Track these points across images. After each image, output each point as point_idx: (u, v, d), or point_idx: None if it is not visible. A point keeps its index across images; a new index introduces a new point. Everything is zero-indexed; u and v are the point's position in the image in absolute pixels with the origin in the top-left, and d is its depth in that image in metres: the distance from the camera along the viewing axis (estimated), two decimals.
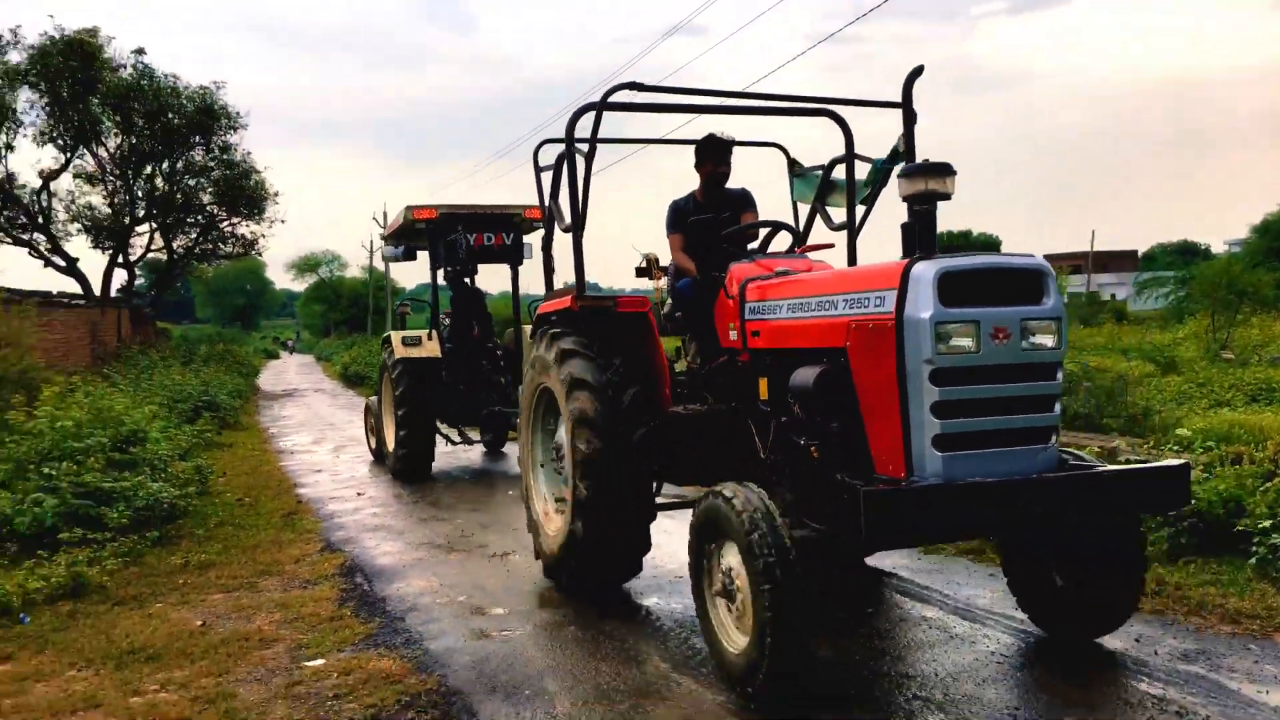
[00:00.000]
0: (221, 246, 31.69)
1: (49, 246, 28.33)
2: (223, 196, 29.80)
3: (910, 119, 5.21)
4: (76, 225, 28.95)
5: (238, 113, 28.97)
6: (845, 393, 4.35)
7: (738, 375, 5.45)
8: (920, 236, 4.14)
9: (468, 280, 11.96)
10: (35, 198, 28.06)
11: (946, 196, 4.12)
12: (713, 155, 6.23)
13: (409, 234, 11.88)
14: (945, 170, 4.08)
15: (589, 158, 5.64)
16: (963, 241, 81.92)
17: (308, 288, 79.25)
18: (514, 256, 11.38)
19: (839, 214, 6.06)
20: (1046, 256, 4.42)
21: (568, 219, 5.83)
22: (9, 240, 28.06)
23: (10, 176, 27.21)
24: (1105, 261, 74.14)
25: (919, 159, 4.37)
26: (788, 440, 4.77)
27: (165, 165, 29.24)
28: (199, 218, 30.60)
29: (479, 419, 11.40)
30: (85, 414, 8.86)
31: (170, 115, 27.65)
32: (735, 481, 4.29)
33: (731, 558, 4.19)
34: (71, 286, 27.89)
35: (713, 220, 6.08)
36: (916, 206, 4.14)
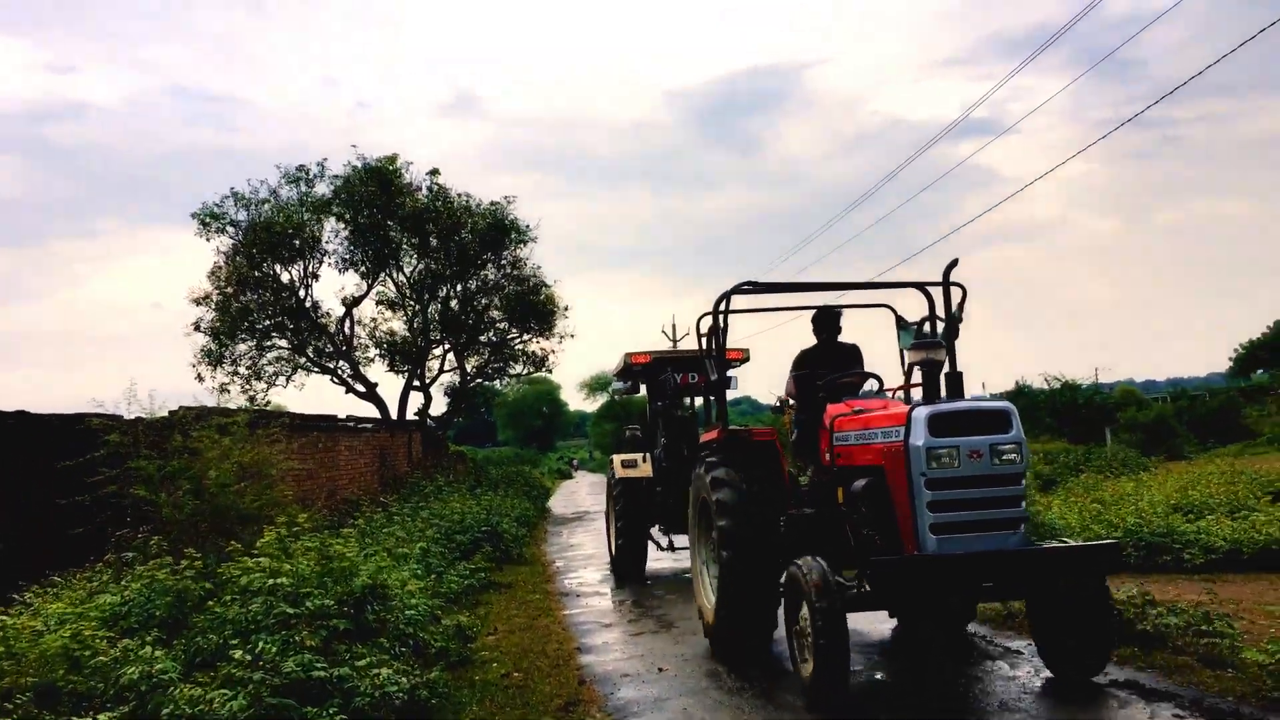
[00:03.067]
0: (512, 364, 31.05)
1: (350, 373, 28.61)
2: (513, 312, 29.19)
3: (947, 299, 6.85)
4: (376, 351, 29.18)
5: (527, 225, 28.44)
6: (885, 496, 6.10)
7: (832, 486, 6.90)
8: (925, 389, 6.24)
9: (681, 411, 13.47)
10: (339, 325, 28.55)
11: (941, 362, 6.32)
12: (822, 322, 8.21)
13: (631, 373, 13.93)
14: (938, 345, 6.39)
15: (724, 331, 7.61)
16: None
17: (599, 407, 79.96)
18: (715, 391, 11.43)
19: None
20: None
21: (716, 373, 7.79)
22: (317, 369, 28.62)
23: (315, 305, 27.80)
24: None
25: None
26: (859, 533, 6.32)
27: (459, 286, 29.08)
28: (490, 336, 30.15)
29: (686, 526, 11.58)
30: (310, 564, 6.78)
31: (463, 233, 27.43)
32: (808, 554, 6.03)
33: (805, 609, 5.77)
34: (370, 411, 27.92)
35: (811, 375, 7.81)
36: (921, 369, 6.29)
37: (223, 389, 26.54)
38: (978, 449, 5.71)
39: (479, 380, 32.18)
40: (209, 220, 26.56)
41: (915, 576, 5.63)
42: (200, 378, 26.62)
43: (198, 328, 26.69)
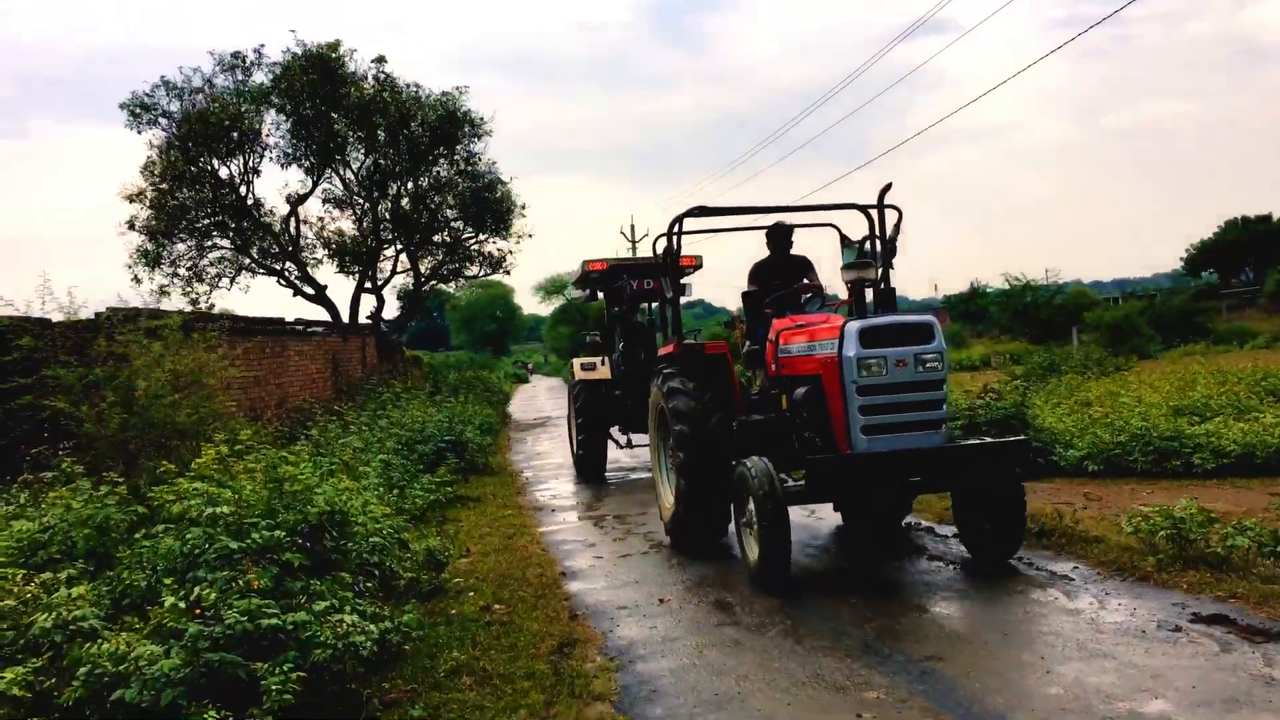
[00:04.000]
0: (468, 266, 29.67)
1: (298, 274, 27.19)
2: (468, 211, 27.76)
3: (882, 220, 7.44)
4: (324, 251, 27.71)
5: (481, 118, 26.83)
6: (822, 401, 6.63)
7: (779, 394, 7.44)
8: (857, 305, 6.75)
9: (639, 317, 14.19)
10: (284, 224, 27.01)
11: (873, 281, 6.84)
12: (775, 236, 8.67)
13: (589, 281, 14.35)
14: (868, 265, 6.84)
15: (678, 252, 8.05)
16: (1264, 226, 73.61)
17: (554, 310, 78.66)
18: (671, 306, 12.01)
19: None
20: None
21: (671, 291, 8.40)
22: (263, 270, 27.16)
23: (258, 203, 26.20)
24: None
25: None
26: (801, 435, 6.91)
27: (410, 184, 27.55)
28: (444, 236, 28.74)
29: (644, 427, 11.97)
30: (258, 488, 5.80)
31: (413, 125, 25.82)
32: (756, 455, 6.54)
33: (751, 503, 6.35)
34: (321, 315, 26.65)
35: (760, 293, 8.48)
36: (852, 287, 6.79)
37: (162, 291, 25.04)
38: (903, 358, 6.31)
39: (434, 283, 30.79)
40: (139, 111, 24.76)
41: (847, 473, 6.31)
42: (137, 279, 25.08)
43: (132, 226, 25.08)
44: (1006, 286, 53.80)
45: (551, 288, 73.44)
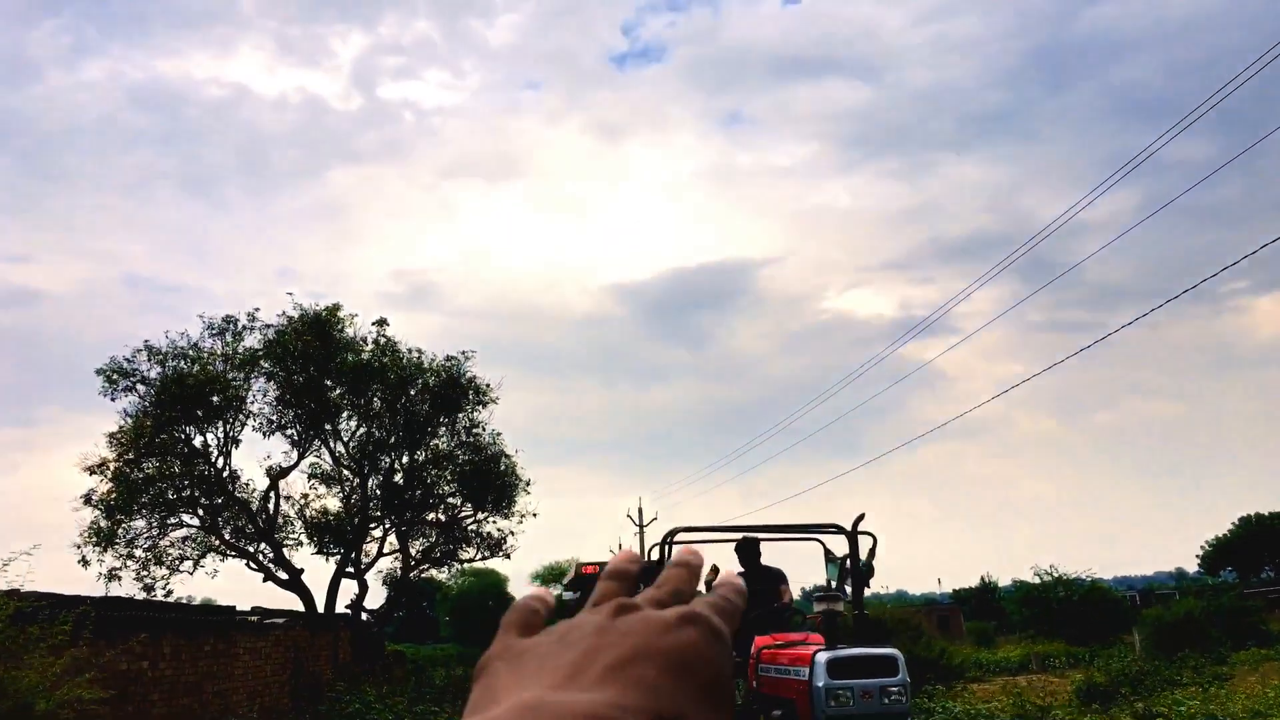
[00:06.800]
0: (464, 548, 26.57)
1: (272, 557, 24.08)
2: (468, 485, 25.06)
3: (855, 546, 8.31)
4: (303, 529, 24.75)
5: (488, 384, 24.73)
6: None
7: (759, 709, 7.90)
8: (826, 634, 7.43)
9: None
10: (263, 500, 24.23)
11: (840, 612, 7.61)
12: (743, 552, 9.14)
13: (582, 581, 15.07)
14: (837, 598, 7.69)
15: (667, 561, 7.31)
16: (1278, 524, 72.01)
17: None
18: None
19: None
20: None
21: None
22: (234, 553, 24.10)
23: (234, 475, 23.54)
24: None
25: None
26: None
27: (405, 457, 25.05)
28: (439, 515, 25.89)
29: None
30: None
31: (412, 391, 23.68)
32: None
33: None
34: (291, 601, 23.30)
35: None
36: (824, 618, 7.48)
37: (111, 575, 21.80)
38: (869, 690, 6.95)
39: (425, 567, 27.58)
40: (116, 376, 22.62)
41: None
42: (85, 561, 21.87)
43: (89, 501, 22.21)
44: (1036, 580, 50.29)
45: (549, 575, 69.69)
